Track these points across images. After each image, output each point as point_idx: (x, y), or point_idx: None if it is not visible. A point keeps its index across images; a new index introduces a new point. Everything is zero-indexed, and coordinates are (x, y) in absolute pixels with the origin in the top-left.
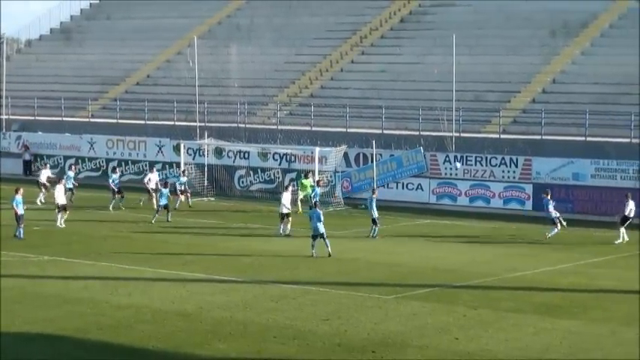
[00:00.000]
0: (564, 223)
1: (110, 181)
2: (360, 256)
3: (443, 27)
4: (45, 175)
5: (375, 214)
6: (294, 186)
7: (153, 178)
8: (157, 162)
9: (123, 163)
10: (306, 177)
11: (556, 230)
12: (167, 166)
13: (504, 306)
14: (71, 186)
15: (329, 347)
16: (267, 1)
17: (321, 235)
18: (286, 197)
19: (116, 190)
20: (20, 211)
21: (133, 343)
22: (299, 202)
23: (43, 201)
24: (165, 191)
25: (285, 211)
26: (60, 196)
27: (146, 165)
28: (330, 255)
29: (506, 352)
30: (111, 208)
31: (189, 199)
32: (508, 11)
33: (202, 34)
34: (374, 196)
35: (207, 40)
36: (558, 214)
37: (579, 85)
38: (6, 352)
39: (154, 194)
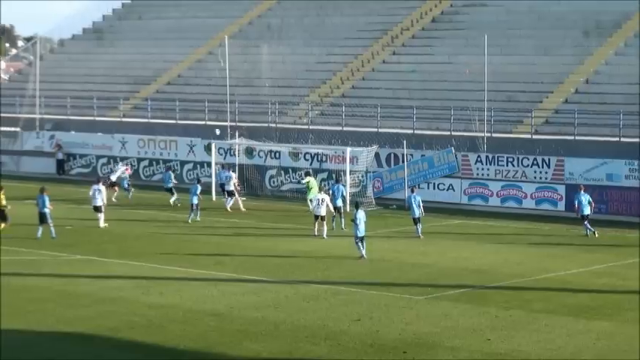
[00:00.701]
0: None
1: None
2: (391, 257)
3: (474, 27)
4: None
5: (417, 212)
6: (327, 186)
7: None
8: (188, 161)
9: (154, 163)
10: (308, 174)
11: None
12: (198, 165)
13: (536, 307)
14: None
15: (360, 347)
16: (299, 1)
17: (361, 238)
18: (318, 198)
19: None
20: (44, 209)
21: (165, 343)
22: (309, 202)
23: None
24: (196, 189)
25: (321, 213)
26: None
27: (177, 164)
28: (363, 257)
29: (539, 354)
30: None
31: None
32: (540, 11)
33: (233, 33)
34: (413, 194)
35: (238, 39)
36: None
37: (613, 86)
38: (38, 351)
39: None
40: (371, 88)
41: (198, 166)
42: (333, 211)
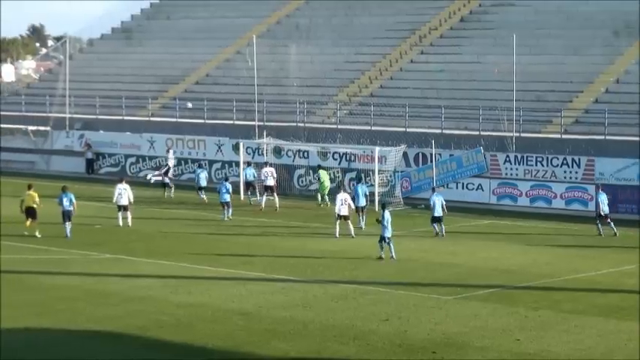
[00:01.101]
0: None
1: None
2: (420, 257)
3: (503, 26)
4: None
5: (440, 212)
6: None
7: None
8: (216, 161)
9: (182, 162)
10: (321, 168)
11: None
12: (226, 165)
13: (566, 307)
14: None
15: (389, 347)
16: (327, 0)
17: (386, 239)
18: (342, 197)
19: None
20: (66, 208)
21: (193, 342)
22: (324, 197)
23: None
24: (226, 187)
25: (343, 212)
26: (121, 197)
27: (205, 164)
28: (393, 257)
29: (569, 354)
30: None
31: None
32: (568, 11)
33: (261, 33)
34: (435, 193)
35: (267, 39)
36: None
37: None
38: (68, 350)
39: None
40: (399, 88)
41: (226, 165)
42: (355, 211)
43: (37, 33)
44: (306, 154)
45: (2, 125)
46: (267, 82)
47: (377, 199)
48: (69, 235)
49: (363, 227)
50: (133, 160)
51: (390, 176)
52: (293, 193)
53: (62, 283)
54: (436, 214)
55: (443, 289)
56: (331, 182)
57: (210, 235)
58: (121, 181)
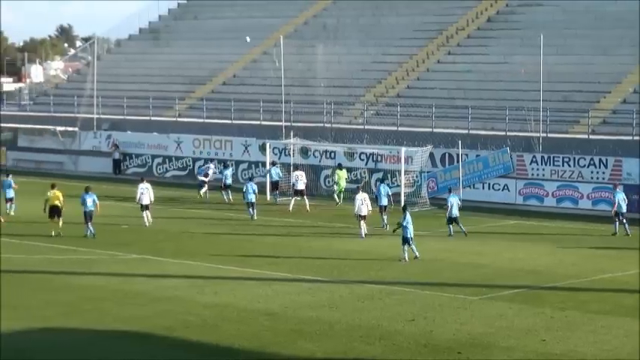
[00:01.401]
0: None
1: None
2: (445, 257)
3: (530, 27)
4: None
5: (454, 213)
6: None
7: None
8: (243, 161)
9: (209, 163)
10: (340, 168)
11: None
12: (253, 165)
13: (593, 308)
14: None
15: (415, 348)
16: (354, 1)
17: (408, 240)
18: (361, 197)
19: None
20: (88, 208)
21: (219, 342)
22: (336, 196)
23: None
24: (252, 187)
25: (363, 212)
26: (143, 197)
27: (232, 164)
28: (415, 257)
29: (595, 354)
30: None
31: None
32: (596, 11)
33: (288, 33)
34: (451, 193)
35: (294, 39)
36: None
37: None
38: (95, 350)
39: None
40: (426, 88)
41: (252, 165)
42: (378, 211)
43: (65, 34)
44: (332, 154)
45: (31, 126)
46: (294, 82)
47: (403, 199)
48: (88, 234)
49: (387, 227)
50: (160, 160)
51: (417, 177)
52: (320, 193)
53: (89, 284)
54: (453, 215)
55: (469, 290)
56: (357, 182)
57: (236, 236)
58: (142, 181)
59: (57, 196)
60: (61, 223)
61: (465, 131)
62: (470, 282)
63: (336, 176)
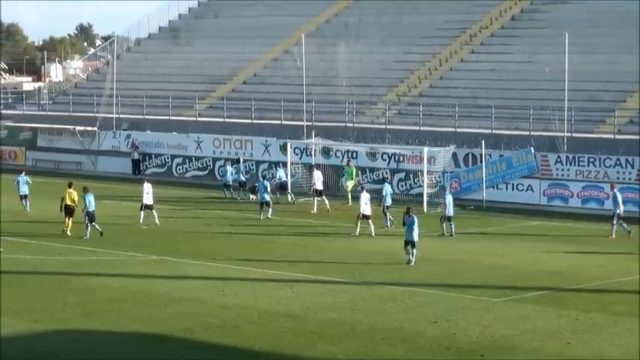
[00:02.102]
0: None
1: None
2: (468, 258)
3: (555, 25)
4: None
5: (450, 211)
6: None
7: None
8: (263, 161)
9: (229, 163)
10: (349, 164)
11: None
12: (273, 165)
13: (619, 310)
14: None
15: (437, 350)
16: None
17: (412, 243)
18: (365, 197)
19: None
20: (90, 208)
21: (239, 344)
22: (349, 195)
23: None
24: (265, 186)
25: (367, 212)
26: (147, 196)
27: (253, 164)
28: (411, 263)
29: (621, 357)
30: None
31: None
32: (622, 10)
33: (310, 32)
34: (446, 192)
35: (315, 38)
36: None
37: None
38: (114, 351)
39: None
40: (449, 87)
41: (273, 165)
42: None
43: (84, 32)
44: (354, 154)
45: (50, 125)
46: (316, 81)
47: (425, 200)
48: (87, 236)
49: (390, 227)
50: (180, 160)
51: (439, 177)
52: (342, 194)
53: (108, 285)
54: (449, 214)
55: (492, 291)
56: (380, 183)
57: (256, 236)
58: (145, 181)
59: (72, 196)
60: (70, 223)
61: (489, 131)
62: (493, 284)
63: (347, 174)
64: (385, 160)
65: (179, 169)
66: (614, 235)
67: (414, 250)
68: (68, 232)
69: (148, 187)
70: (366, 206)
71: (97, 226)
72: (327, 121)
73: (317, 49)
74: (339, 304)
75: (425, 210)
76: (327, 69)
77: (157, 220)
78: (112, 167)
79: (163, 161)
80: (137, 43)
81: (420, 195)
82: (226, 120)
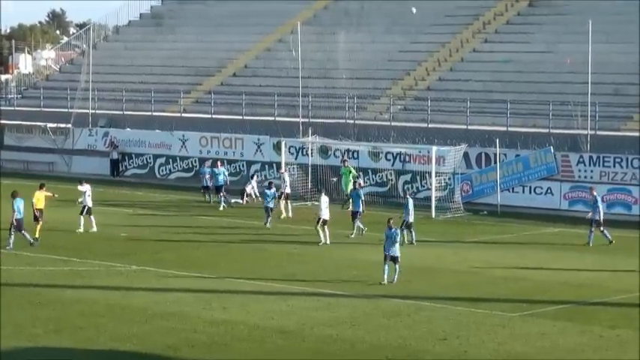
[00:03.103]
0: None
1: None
2: (481, 269)
3: (577, 12)
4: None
5: (411, 217)
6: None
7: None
8: (255, 162)
9: (217, 163)
10: (344, 164)
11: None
12: (266, 166)
13: None
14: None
15: None
16: None
17: (394, 259)
18: (324, 200)
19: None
20: (19, 215)
21: None
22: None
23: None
24: (271, 192)
25: (326, 216)
26: (88, 199)
27: (243, 165)
28: (393, 280)
29: None
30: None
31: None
32: None
33: (307, 19)
34: (407, 196)
35: (313, 26)
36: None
37: None
38: None
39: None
40: (460, 80)
41: (266, 166)
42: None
43: (57, 19)
44: (355, 154)
45: (19, 122)
46: (313, 74)
47: (433, 204)
48: (11, 246)
49: (352, 236)
50: (163, 160)
51: (449, 179)
52: (341, 197)
53: (83, 298)
54: (409, 219)
55: (507, 305)
56: (383, 186)
57: (248, 245)
58: (82, 183)
59: (39, 199)
60: (38, 229)
61: (504, 128)
62: (508, 297)
63: (344, 175)
64: (389, 160)
65: (162, 171)
66: (591, 244)
67: (397, 267)
68: (33, 242)
69: (87, 188)
70: (326, 210)
71: (26, 235)
72: (326, 117)
73: (314, 38)
74: (337, 319)
75: (433, 215)
76: (325, 60)
77: (94, 227)
78: (88, 168)
79: (145, 162)
80: (116, 31)
81: (428, 199)
82: (214, 116)
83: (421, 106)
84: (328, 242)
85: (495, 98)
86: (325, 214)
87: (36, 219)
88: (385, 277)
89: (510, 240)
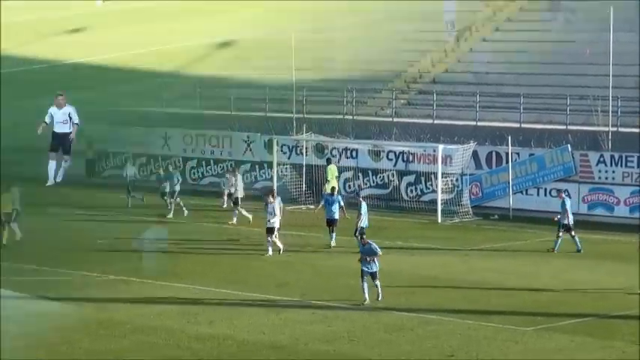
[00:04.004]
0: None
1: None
2: (491, 279)
3: None
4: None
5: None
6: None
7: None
8: (245, 161)
9: (204, 163)
10: (329, 163)
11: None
12: (257, 166)
13: None
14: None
15: None
16: None
17: (372, 274)
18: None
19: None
20: None
21: None
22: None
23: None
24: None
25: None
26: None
27: (231, 165)
28: (378, 298)
29: None
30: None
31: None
32: None
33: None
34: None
35: (309, 13)
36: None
37: None
38: None
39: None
40: (468, 72)
41: (256, 166)
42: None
43: None
44: (354, 153)
45: None
46: (307, 64)
47: (439, 208)
48: None
49: (333, 245)
50: (143, 160)
51: (457, 180)
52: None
53: (55, 311)
54: (363, 224)
55: (520, 319)
56: (385, 188)
57: (237, 253)
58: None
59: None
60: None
61: (516, 125)
62: (521, 309)
63: (328, 173)
64: (391, 159)
65: (142, 171)
66: (556, 250)
67: (377, 282)
68: (4, 243)
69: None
70: (275, 217)
71: None
72: (321, 112)
73: (309, 26)
74: (334, 334)
75: (439, 220)
76: (320, 48)
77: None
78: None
79: (123, 161)
80: None
81: (434, 202)
82: (200, 111)
83: (426, 101)
84: (271, 253)
85: (507, 92)
86: (275, 221)
87: (1, 224)
88: (366, 295)
89: (523, 247)
